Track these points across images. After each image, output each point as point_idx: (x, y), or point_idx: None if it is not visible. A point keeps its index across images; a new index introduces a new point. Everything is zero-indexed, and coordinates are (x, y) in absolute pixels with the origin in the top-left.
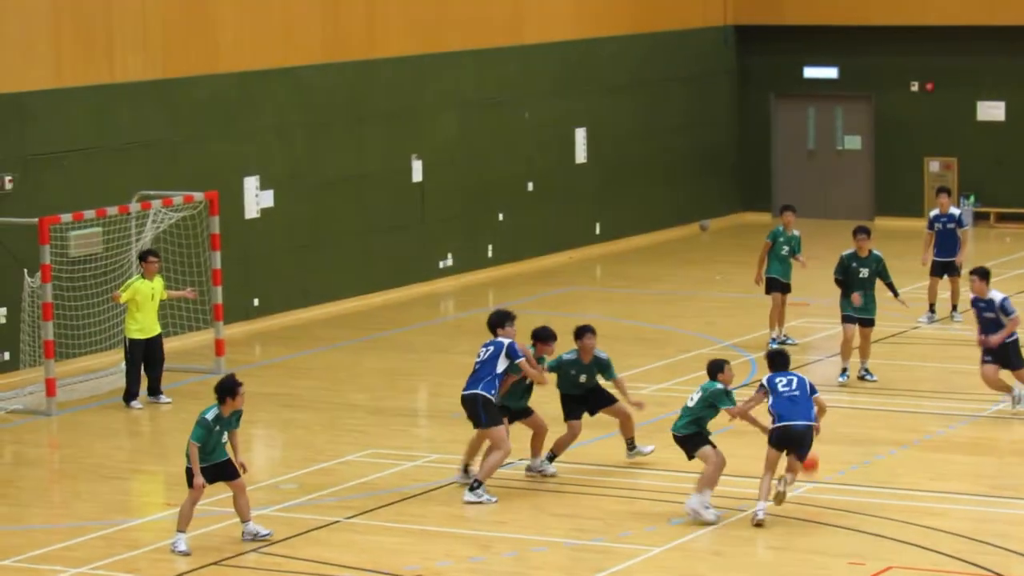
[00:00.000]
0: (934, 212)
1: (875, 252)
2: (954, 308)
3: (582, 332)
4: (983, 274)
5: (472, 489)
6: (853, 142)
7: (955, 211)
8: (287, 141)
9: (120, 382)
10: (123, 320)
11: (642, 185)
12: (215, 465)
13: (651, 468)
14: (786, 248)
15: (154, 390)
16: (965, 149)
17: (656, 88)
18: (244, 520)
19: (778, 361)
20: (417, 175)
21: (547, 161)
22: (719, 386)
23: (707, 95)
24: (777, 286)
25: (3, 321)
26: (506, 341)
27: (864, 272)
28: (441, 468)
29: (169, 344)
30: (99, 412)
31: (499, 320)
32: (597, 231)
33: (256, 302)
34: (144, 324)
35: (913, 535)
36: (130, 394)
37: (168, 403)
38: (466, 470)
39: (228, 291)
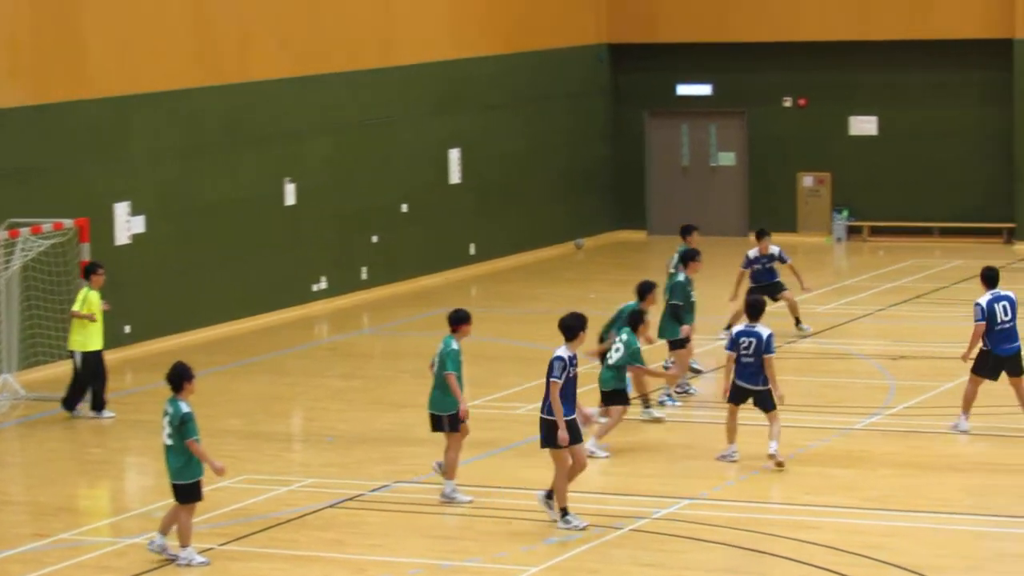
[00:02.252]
0: (753, 253)
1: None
2: (797, 321)
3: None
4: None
5: (563, 517)
6: (727, 158)
7: (775, 250)
8: (159, 166)
9: None
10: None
11: (517, 204)
12: None
13: (526, 487)
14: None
15: (74, 405)
16: (838, 164)
17: (531, 107)
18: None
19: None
20: (290, 199)
21: (421, 182)
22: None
23: (582, 113)
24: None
25: None
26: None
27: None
28: (316, 492)
29: (39, 373)
30: None
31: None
32: (472, 251)
33: (128, 329)
34: (93, 336)
35: (786, 549)
36: (74, 402)
37: (112, 416)
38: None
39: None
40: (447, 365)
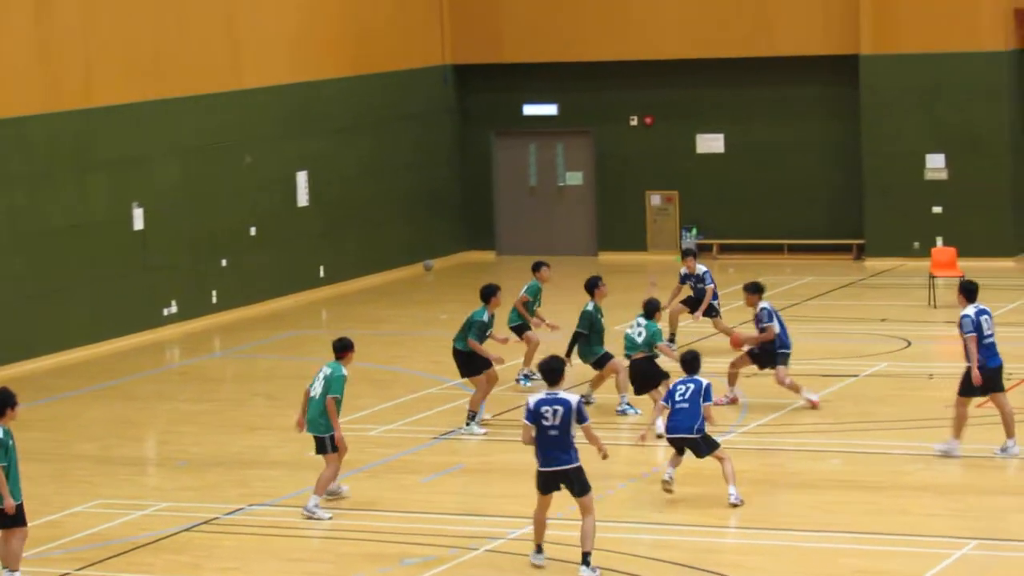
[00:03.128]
0: (683, 271)
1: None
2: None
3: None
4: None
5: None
6: (575, 178)
7: (701, 268)
8: (7, 192)
9: None
10: None
11: (366, 226)
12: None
13: (380, 509)
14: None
15: None
16: (686, 182)
17: (378, 129)
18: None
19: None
20: (139, 223)
21: (270, 205)
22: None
23: (429, 134)
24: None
25: None
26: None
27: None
28: (171, 516)
29: None
30: None
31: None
32: (321, 274)
33: None
34: None
35: (641, 568)
36: None
37: None
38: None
39: None
40: (332, 389)
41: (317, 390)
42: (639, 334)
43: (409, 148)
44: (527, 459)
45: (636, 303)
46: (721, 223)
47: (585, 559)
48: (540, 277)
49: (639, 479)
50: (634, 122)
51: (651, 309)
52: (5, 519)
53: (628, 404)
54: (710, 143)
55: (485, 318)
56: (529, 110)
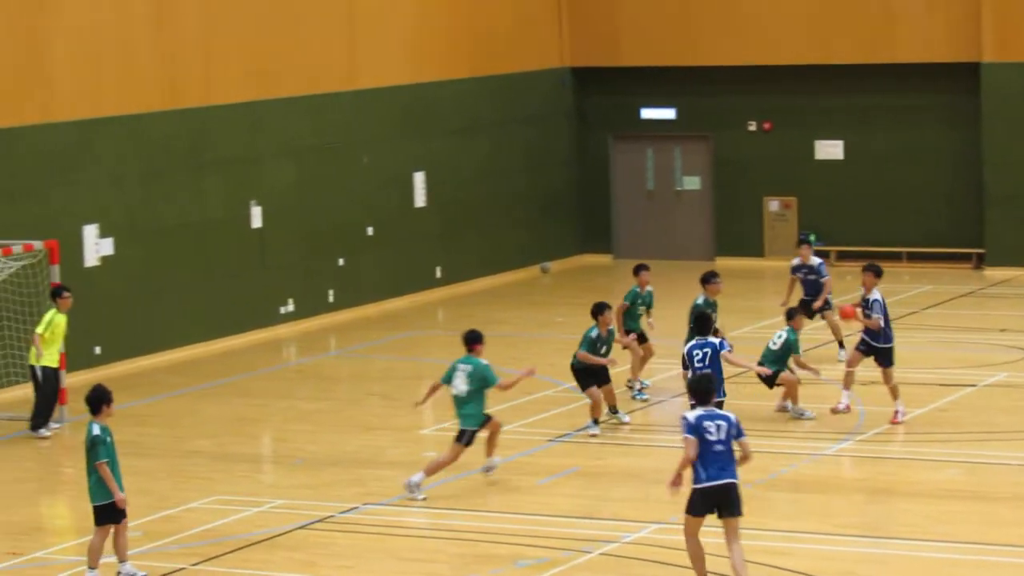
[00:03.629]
0: (796, 261)
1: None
2: (840, 344)
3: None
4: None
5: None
6: (692, 182)
7: (815, 261)
8: (126, 189)
9: None
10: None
11: (483, 228)
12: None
13: (495, 511)
14: (642, 308)
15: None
16: (804, 188)
17: (495, 131)
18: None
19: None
20: (257, 221)
21: (387, 205)
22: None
23: (546, 137)
24: (639, 338)
25: None
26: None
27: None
28: (286, 514)
29: (11, 393)
30: None
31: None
32: (438, 275)
33: (98, 350)
34: (54, 356)
35: (759, 574)
36: (41, 422)
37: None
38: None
39: (70, 339)
40: (490, 380)
41: (461, 388)
42: (774, 343)
43: (526, 150)
44: (642, 462)
45: (753, 309)
46: (839, 230)
47: None
48: (639, 281)
49: (753, 484)
50: (753, 127)
51: (789, 314)
52: (115, 514)
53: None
54: (829, 149)
55: (594, 335)
56: (647, 114)
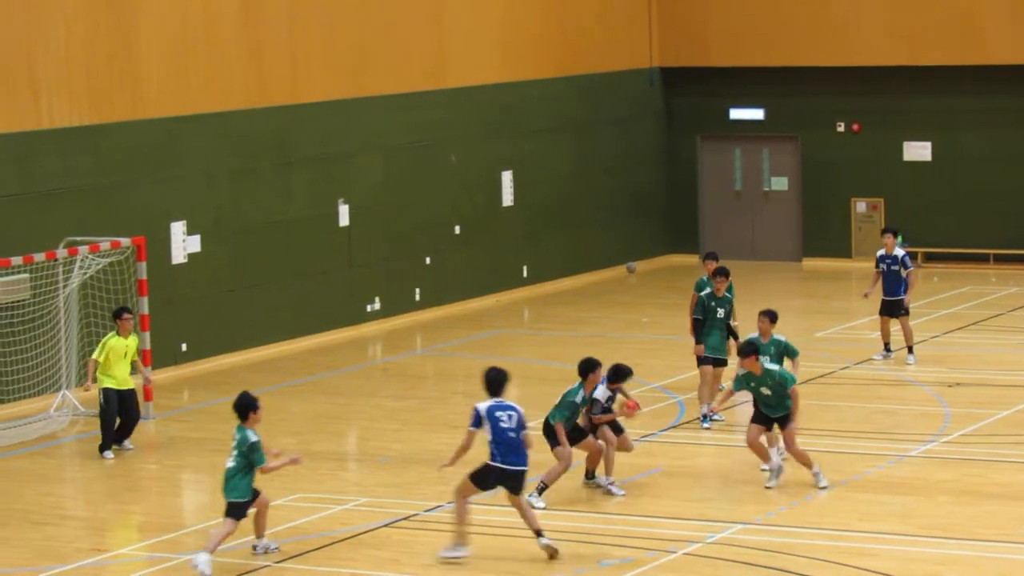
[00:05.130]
0: (880, 252)
1: (728, 294)
2: (909, 350)
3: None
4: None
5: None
6: (780, 183)
7: (899, 252)
8: (213, 186)
9: (47, 428)
10: (55, 368)
11: (569, 227)
12: None
13: (580, 510)
14: (721, 311)
15: (121, 439)
16: (892, 189)
17: (583, 130)
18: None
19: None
20: (344, 219)
21: (474, 204)
22: None
23: (634, 137)
24: (710, 360)
25: None
26: (519, 407)
27: (720, 312)
28: (370, 512)
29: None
30: (27, 458)
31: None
32: (524, 274)
33: (184, 347)
34: (118, 377)
35: (843, 575)
36: (105, 444)
37: (131, 448)
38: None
39: (156, 336)
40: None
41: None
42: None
43: (614, 150)
44: (727, 463)
45: (838, 311)
46: (926, 231)
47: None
48: (707, 268)
49: (837, 486)
50: (841, 128)
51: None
52: (234, 510)
53: (705, 416)
54: (917, 151)
55: (578, 398)
56: (736, 114)
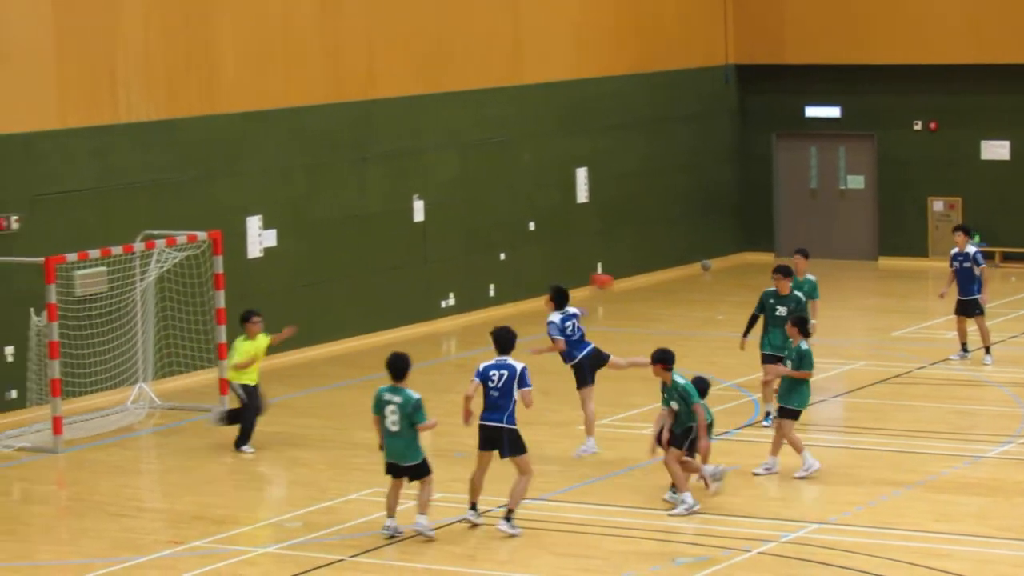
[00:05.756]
0: (953, 250)
1: (795, 292)
2: (986, 350)
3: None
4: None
5: (507, 520)
6: (856, 181)
7: (971, 249)
8: (289, 181)
9: (124, 421)
10: (132, 360)
11: (644, 224)
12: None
13: (655, 508)
14: (782, 310)
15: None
16: (969, 188)
17: (657, 127)
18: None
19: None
20: (419, 215)
21: (548, 200)
22: None
23: (708, 134)
24: (771, 359)
25: (11, 359)
26: (519, 366)
27: (782, 310)
28: (444, 507)
29: (173, 383)
30: (105, 450)
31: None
32: (599, 270)
33: None
34: (251, 376)
35: None
36: (243, 439)
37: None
38: (474, 507)
39: (231, 330)
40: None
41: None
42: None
43: (689, 147)
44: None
45: (914, 310)
46: (1004, 231)
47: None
48: (796, 264)
49: (913, 486)
50: (918, 126)
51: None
52: (417, 471)
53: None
54: (995, 150)
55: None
56: (811, 112)
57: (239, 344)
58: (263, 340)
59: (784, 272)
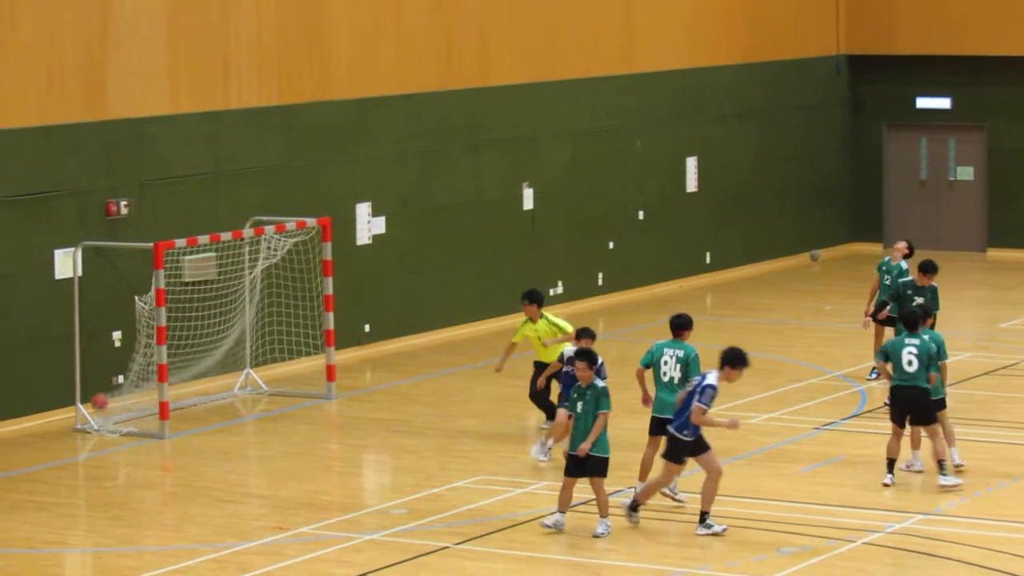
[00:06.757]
0: None
1: (932, 284)
2: None
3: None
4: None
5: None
6: (966, 173)
7: None
8: (399, 168)
9: (230, 405)
10: (240, 346)
11: (753, 214)
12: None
13: (759, 497)
14: (888, 278)
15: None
16: None
17: (768, 117)
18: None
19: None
20: (528, 203)
21: (658, 189)
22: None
23: (819, 125)
24: (884, 319)
25: (118, 344)
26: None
27: (918, 300)
28: (550, 495)
29: (281, 369)
30: (210, 436)
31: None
32: (708, 260)
33: (367, 328)
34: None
35: (1022, 568)
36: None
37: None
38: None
39: (339, 317)
40: (692, 371)
41: (673, 374)
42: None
43: (799, 137)
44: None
45: (1021, 301)
46: None
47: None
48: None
49: (1020, 478)
50: None
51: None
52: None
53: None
54: None
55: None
56: (922, 103)
57: (520, 328)
58: (542, 324)
59: (926, 269)
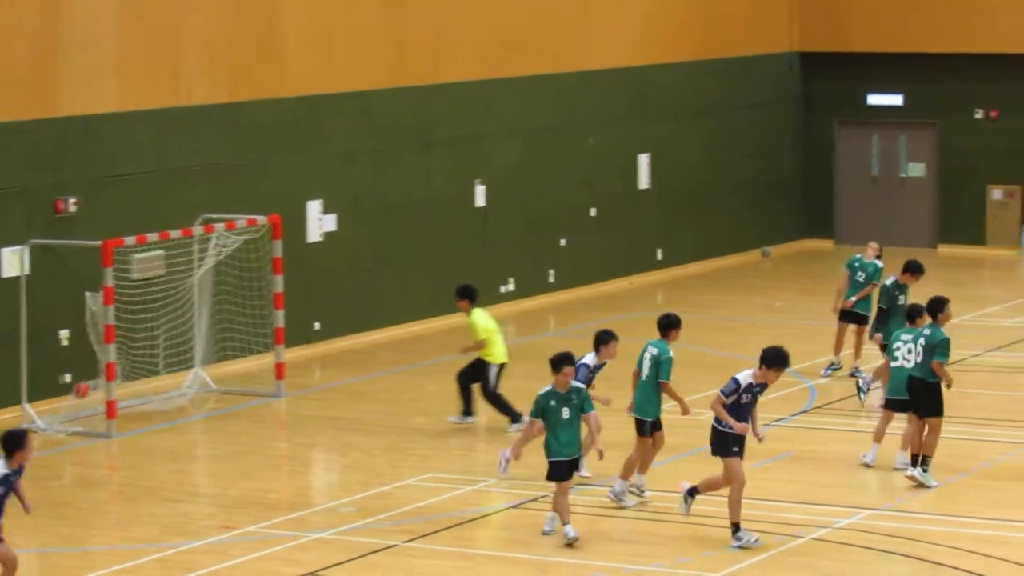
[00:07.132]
0: None
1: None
2: None
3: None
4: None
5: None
6: (917, 169)
7: None
8: (351, 165)
9: (179, 405)
10: (188, 345)
11: (704, 211)
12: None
13: (711, 494)
14: (861, 275)
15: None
16: None
17: (720, 114)
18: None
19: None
20: (480, 200)
21: (610, 187)
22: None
23: (771, 122)
24: (849, 316)
25: (65, 343)
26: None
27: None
28: (500, 493)
29: (230, 367)
30: (158, 435)
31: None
32: (659, 257)
33: (317, 326)
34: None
35: (974, 564)
36: (514, 417)
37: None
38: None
39: (290, 315)
40: (663, 374)
41: (645, 372)
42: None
43: (750, 134)
44: (857, 449)
45: (971, 298)
46: None
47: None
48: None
49: (968, 473)
50: (979, 115)
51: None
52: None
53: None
54: None
55: (671, 353)
56: (873, 100)
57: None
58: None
59: (913, 269)
